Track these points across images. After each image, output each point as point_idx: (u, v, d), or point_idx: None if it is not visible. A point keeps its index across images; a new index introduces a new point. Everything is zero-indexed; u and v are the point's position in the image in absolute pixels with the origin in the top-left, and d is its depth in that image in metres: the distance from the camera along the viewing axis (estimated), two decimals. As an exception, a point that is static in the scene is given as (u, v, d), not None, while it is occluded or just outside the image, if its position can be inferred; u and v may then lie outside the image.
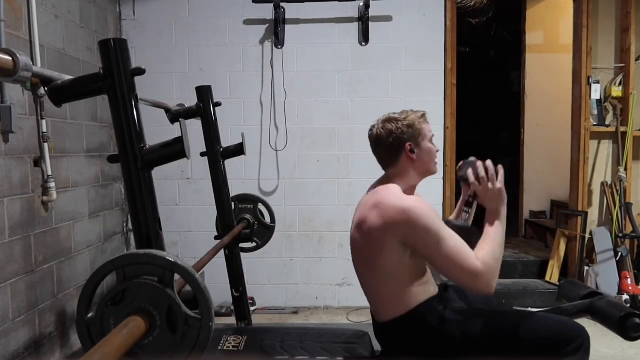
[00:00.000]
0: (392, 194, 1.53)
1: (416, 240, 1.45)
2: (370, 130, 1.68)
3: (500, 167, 1.54)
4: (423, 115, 1.66)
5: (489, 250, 1.43)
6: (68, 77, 1.36)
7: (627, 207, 3.69)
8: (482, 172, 1.52)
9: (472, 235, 1.44)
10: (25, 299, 2.50)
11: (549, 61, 5.04)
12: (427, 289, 1.58)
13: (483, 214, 1.54)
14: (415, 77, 3.68)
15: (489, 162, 1.54)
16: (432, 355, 1.53)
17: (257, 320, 3.25)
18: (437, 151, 1.69)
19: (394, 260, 1.49)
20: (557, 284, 3.76)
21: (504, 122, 6.48)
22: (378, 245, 1.50)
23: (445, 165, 3.78)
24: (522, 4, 5.17)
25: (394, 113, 1.64)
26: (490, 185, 1.51)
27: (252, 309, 3.45)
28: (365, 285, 1.65)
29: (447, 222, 1.48)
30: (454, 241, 1.42)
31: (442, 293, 1.63)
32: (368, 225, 1.52)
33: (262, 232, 2.73)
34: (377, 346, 1.84)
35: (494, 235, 1.46)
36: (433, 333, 1.52)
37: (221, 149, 2.43)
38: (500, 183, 1.51)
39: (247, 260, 2.89)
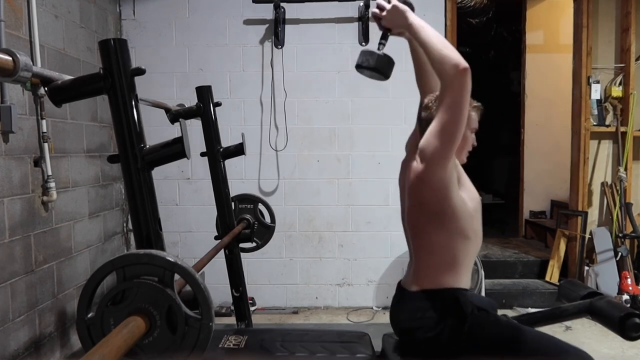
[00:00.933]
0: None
1: (429, 135, 1.48)
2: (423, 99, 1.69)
3: None
4: (476, 107, 1.67)
5: (440, 44, 1.42)
6: (68, 77, 1.36)
7: (627, 207, 3.69)
8: (378, 2, 1.55)
9: (388, 61, 1.48)
10: (25, 299, 2.50)
11: (549, 61, 5.05)
12: (466, 279, 1.62)
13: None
14: (415, 77, 3.69)
15: None
16: (438, 337, 1.55)
17: (257, 320, 3.26)
18: (474, 145, 1.70)
19: (451, 191, 1.52)
20: (557, 284, 3.77)
21: (504, 122, 6.48)
22: (434, 190, 1.52)
23: (445, 165, 3.78)
24: (522, 4, 5.18)
25: None
26: (386, 5, 1.52)
27: (252, 309, 3.45)
28: (418, 247, 1.65)
29: (364, 51, 1.49)
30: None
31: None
32: (417, 186, 1.56)
33: (262, 232, 2.73)
34: (377, 346, 1.84)
35: (432, 36, 1.45)
36: (455, 315, 1.53)
37: (221, 149, 2.43)
38: (394, 2, 1.51)
39: (247, 260, 2.90)
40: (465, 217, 1.56)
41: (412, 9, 1.51)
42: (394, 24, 1.52)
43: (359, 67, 1.50)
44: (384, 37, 1.52)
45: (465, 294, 1.58)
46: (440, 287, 1.58)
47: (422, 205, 1.59)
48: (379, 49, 1.50)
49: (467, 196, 1.58)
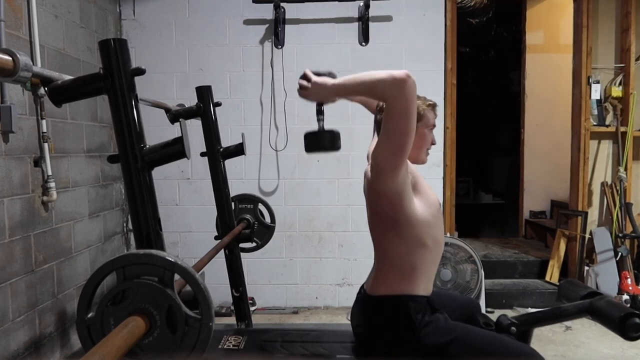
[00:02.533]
0: None
1: (378, 149, 1.46)
2: None
3: (306, 70, 1.53)
4: (431, 105, 1.68)
5: (369, 78, 1.39)
6: (68, 77, 1.36)
7: (627, 207, 3.69)
8: (300, 83, 1.53)
9: (332, 136, 1.48)
10: (25, 299, 2.50)
11: (549, 61, 5.05)
12: (425, 286, 1.61)
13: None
14: (415, 77, 3.62)
15: (303, 72, 1.53)
16: (388, 343, 1.58)
17: (257, 320, 3.26)
18: (433, 144, 1.71)
19: (404, 199, 1.51)
20: (557, 284, 3.77)
21: (504, 122, 6.48)
22: (386, 195, 1.52)
23: (445, 165, 3.78)
24: (522, 4, 5.18)
25: None
26: (306, 83, 1.50)
27: (252, 309, 3.45)
28: (378, 254, 1.67)
29: (307, 135, 1.50)
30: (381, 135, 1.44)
31: (432, 297, 1.65)
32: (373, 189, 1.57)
33: (262, 232, 2.73)
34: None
35: (358, 79, 1.42)
36: (403, 323, 1.55)
37: (221, 149, 2.43)
38: (312, 78, 1.49)
39: (247, 260, 2.89)
40: (421, 225, 1.55)
41: (333, 76, 1.50)
42: (321, 98, 1.51)
43: (308, 151, 1.50)
44: (319, 112, 1.53)
45: (420, 300, 1.58)
46: (394, 294, 1.58)
47: (377, 213, 1.61)
48: (319, 126, 1.49)
49: (424, 203, 1.57)
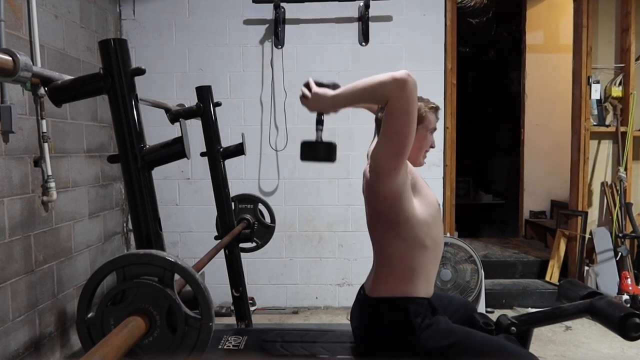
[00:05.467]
0: None
1: (377, 149, 1.47)
2: None
3: (309, 79, 1.55)
4: (433, 107, 1.68)
5: (369, 83, 1.40)
6: (68, 77, 1.36)
7: (627, 207, 3.69)
8: (302, 90, 1.54)
9: (329, 148, 1.48)
10: (25, 299, 2.50)
11: (549, 61, 5.05)
12: (426, 288, 1.61)
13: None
14: (415, 77, 3.66)
15: (307, 81, 1.54)
16: (387, 345, 1.58)
17: (257, 320, 3.26)
18: (432, 147, 1.71)
19: (404, 200, 1.51)
20: (557, 284, 3.77)
21: (504, 122, 6.48)
22: (386, 198, 1.52)
23: (445, 165, 3.78)
24: (522, 4, 5.18)
25: None
26: (307, 93, 1.51)
27: (252, 309, 3.45)
28: (377, 255, 1.67)
29: (304, 144, 1.49)
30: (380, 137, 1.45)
31: (432, 299, 1.64)
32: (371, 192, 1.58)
33: (262, 232, 2.73)
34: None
35: (359, 87, 1.44)
36: (402, 325, 1.55)
37: (221, 149, 2.43)
38: (313, 88, 1.50)
39: (247, 260, 2.89)
40: (421, 226, 1.55)
41: (336, 87, 1.50)
42: (321, 108, 1.51)
43: (303, 160, 1.49)
44: (319, 122, 1.53)
45: (421, 302, 1.58)
46: (394, 296, 1.58)
47: (377, 214, 1.60)
48: (317, 135, 1.49)
49: (423, 203, 1.57)
